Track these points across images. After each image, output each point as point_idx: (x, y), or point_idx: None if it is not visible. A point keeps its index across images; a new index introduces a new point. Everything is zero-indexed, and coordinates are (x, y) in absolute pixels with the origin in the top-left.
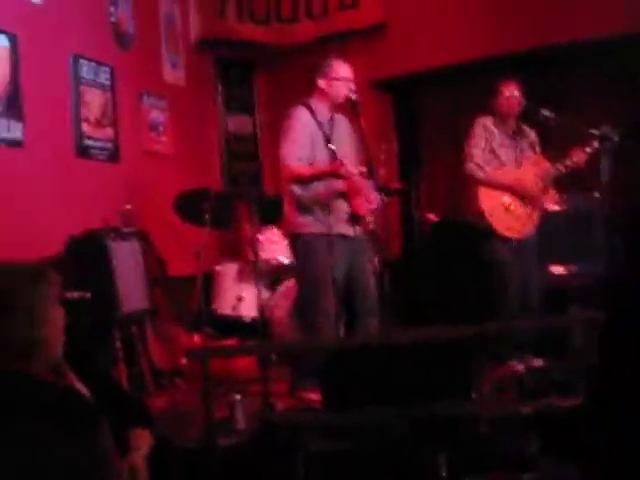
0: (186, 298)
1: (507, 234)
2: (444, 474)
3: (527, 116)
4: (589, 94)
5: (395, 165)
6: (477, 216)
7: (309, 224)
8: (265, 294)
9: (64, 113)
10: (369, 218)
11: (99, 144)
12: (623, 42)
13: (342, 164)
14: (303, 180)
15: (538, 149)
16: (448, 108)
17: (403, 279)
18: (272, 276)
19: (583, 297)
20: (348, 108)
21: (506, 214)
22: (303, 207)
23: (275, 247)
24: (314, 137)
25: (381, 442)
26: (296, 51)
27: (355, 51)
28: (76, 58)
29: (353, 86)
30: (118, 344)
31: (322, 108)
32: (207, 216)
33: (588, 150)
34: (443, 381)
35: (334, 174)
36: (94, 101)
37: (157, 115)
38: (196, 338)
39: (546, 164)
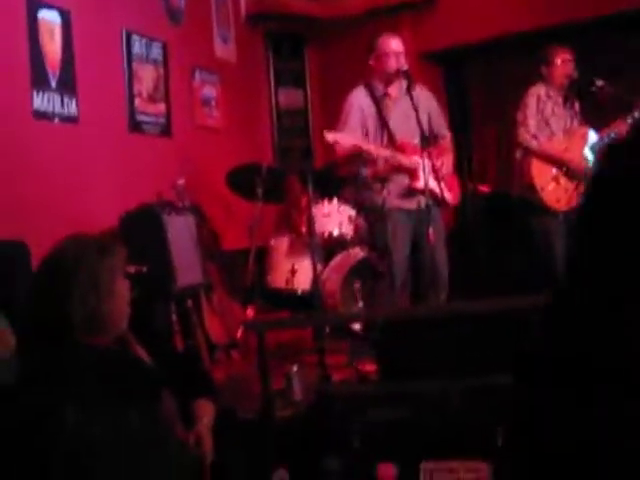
0: (240, 272)
1: (556, 206)
2: (500, 444)
3: (581, 86)
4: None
5: None
6: (528, 188)
7: (374, 197)
8: (318, 267)
9: (117, 88)
10: (435, 187)
11: (152, 119)
12: None
13: (364, 147)
14: (341, 162)
15: (582, 119)
16: (498, 80)
17: (456, 252)
18: (324, 249)
19: None
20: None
21: (556, 186)
22: (366, 183)
23: (328, 220)
24: (367, 114)
25: (438, 412)
26: (346, 24)
27: (405, 23)
28: (128, 34)
29: (402, 59)
30: (174, 317)
31: (379, 84)
32: (259, 190)
33: (629, 120)
34: (500, 352)
35: (357, 156)
36: (146, 76)
37: (209, 90)
38: (250, 311)
39: (593, 137)
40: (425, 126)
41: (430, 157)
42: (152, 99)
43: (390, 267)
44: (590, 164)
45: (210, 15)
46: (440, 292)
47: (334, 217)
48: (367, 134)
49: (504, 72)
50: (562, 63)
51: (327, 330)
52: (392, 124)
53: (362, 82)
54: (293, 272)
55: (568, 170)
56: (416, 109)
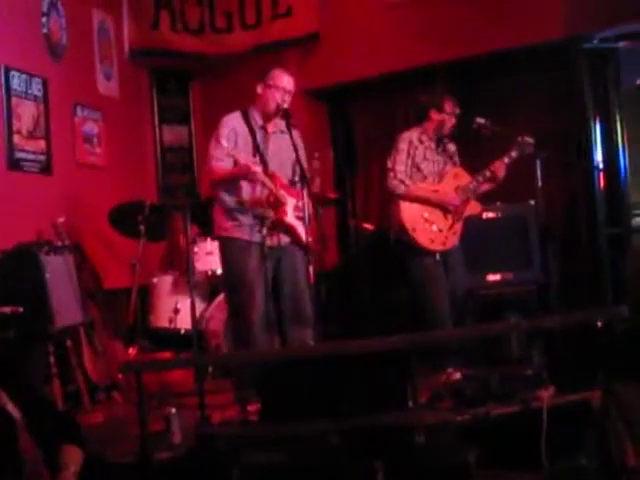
0: (122, 311)
1: (430, 247)
2: None
3: (461, 124)
4: (517, 102)
5: (330, 174)
6: (400, 230)
7: (235, 229)
8: (201, 306)
9: None
10: (298, 227)
11: (32, 156)
12: (555, 50)
13: (253, 168)
14: (217, 180)
15: (457, 160)
16: (382, 117)
17: (339, 289)
18: (208, 288)
19: (519, 305)
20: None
21: (428, 227)
22: (229, 212)
23: (211, 258)
24: (240, 141)
25: (317, 453)
26: (232, 61)
27: (290, 60)
28: (7, 69)
29: (288, 98)
30: (52, 359)
31: (257, 115)
32: (142, 228)
33: (506, 161)
34: (379, 391)
35: (244, 175)
36: (26, 113)
37: (91, 127)
38: (132, 351)
39: (466, 176)
40: (302, 165)
41: (299, 197)
42: (32, 136)
43: (248, 302)
44: (462, 202)
45: (92, 51)
46: (305, 329)
47: (217, 255)
48: (237, 162)
49: (387, 110)
50: (450, 115)
51: (210, 370)
52: (267, 155)
53: (239, 108)
54: (176, 311)
55: (442, 209)
56: (296, 148)
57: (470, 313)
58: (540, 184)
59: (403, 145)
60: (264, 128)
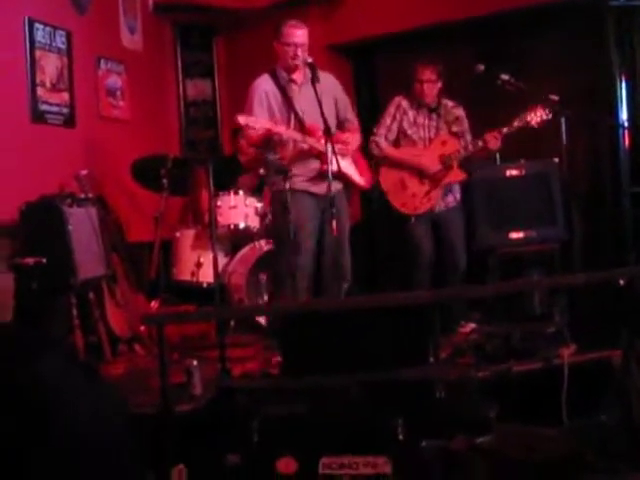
0: (145, 264)
1: (402, 209)
2: (401, 438)
3: (485, 81)
4: (542, 59)
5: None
6: (380, 192)
7: (280, 181)
8: (223, 260)
9: (19, 77)
10: (347, 169)
11: (55, 109)
12: (581, 7)
13: (274, 129)
14: (255, 145)
15: (462, 126)
16: (406, 73)
17: (362, 244)
18: (231, 242)
19: (542, 262)
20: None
21: (401, 190)
22: (275, 168)
23: (234, 212)
24: (273, 102)
25: (338, 407)
26: (255, 15)
27: (313, 15)
28: (31, 22)
29: (301, 51)
30: (74, 311)
31: (282, 71)
32: (165, 182)
33: (505, 131)
34: (401, 346)
35: (272, 137)
36: (50, 65)
37: (115, 80)
38: (154, 304)
39: (455, 144)
40: (330, 117)
41: (336, 143)
42: (55, 88)
43: (293, 256)
44: (441, 170)
45: (117, 4)
46: (342, 283)
47: (240, 209)
48: (273, 119)
49: (413, 65)
50: (424, 79)
51: (232, 324)
52: (299, 108)
53: (267, 70)
54: (199, 265)
55: (417, 175)
56: (320, 102)
57: (492, 270)
58: (564, 142)
59: (391, 109)
60: (293, 81)
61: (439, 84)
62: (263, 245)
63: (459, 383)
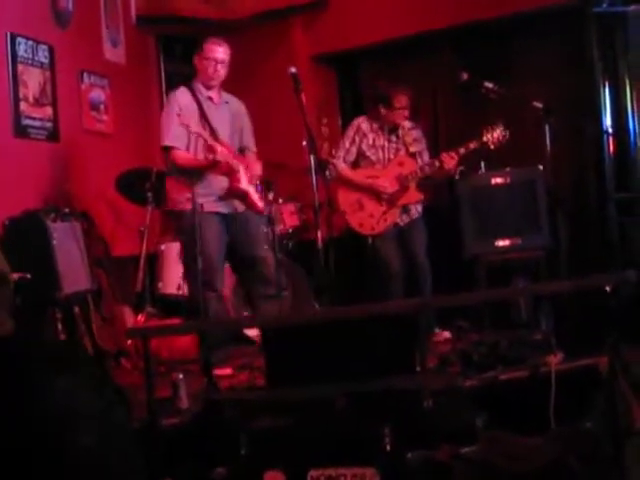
0: (131, 278)
1: (359, 230)
2: (388, 448)
3: (470, 88)
4: (525, 67)
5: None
6: (338, 212)
7: (187, 201)
8: None
9: (1, 92)
10: (252, 193)
11: (38, 123)
12: (564, 14)
13: (213, 149)
14: (182, 167)
15: (420, 145)
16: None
17: (348, 253)
18: None
19: (528, 269)
20: (291, 83)
21: (358, 211)
22: (182, 184)
23: None
24: (190, 114)
25: (324, 418)
26: (239, 27)
27: (297, 25)
28: (13, 37)
29: (222, 68)
30: (60, 325)
31: (201, 87)
32: (150, 195)
33: (461, 152)
34: (387, 356)
35: (211, 166)
36: (32, 80)
37: (98, 94)
38: (141, 318)
39: (412, 165)
40: (238, 141)
41: (246, 165)
42: (38, 103)
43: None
44: (397, 191)
45: (99, 18)
46: (280, 292)
47: None
48: (189, 135)
49: (396, 75)
50: (399, 110)
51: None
52: (215, 125)
53: (183, 83)
54: (184, 278)
55: (374, 196)
56: (234, 119)
57: (478, 278)
58: (549, 149)
59: (350, 132)
60: (210, 99)
61: (408, 109)
62: None
63: (446, 392)
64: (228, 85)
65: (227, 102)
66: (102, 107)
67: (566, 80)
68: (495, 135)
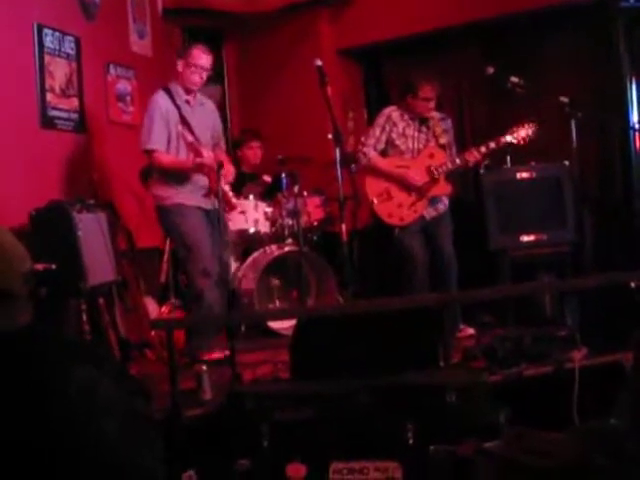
0: (155, 270)
1: (388, 220)
2: (411, 442)
3: (495, 83)
4: (552, 62)
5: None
6: (366, 202)
7: (174, 196)
8: (234, 265)
9: (28, 83)
10: (228, 191)
11: (64, 114)
12: (590, 9)
13: (200, 153)
14: (165, 169)
15: (448, 138)
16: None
17: (373, 247)
18: (241, 247)
19: (553, 265)
20: (317, 77)
21: (387, 201)
22: (166, 182)
23: (243, 217)
24: (170, 117)
25: (347, 411)
26: (265, 20)
27: (323, 19)
28: (40, 27)
29: (205, 75)
30: (84, 316)
31: (180, 90)
32: None
33: (483, 150)
34: (411, 350)
35: (197, 168)
36: (59, 71)
37: (124, 85)
38: (165, 310)
39: (442, 157)
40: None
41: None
42: (65, 94)
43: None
44: (427, 182)
45: (126, 10)
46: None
47: (250, 215)
48: (170, 137)
49: (422, 69)
50: (423, 101)
51: (242, 328)
52: (194, 126)
53: (162, 87)
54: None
55: (404, 186)
56: (209, 120)
57: (503, 273)
58: (575, 144)
59: (380, 120)
60: (187, 102)
61: (435, 100)
62: (274, 250)
63: (470, 387)
64: (256, 80)
65: (202, 104)
66: (128, 98)
67: (592, 75)
68: (529, 131)
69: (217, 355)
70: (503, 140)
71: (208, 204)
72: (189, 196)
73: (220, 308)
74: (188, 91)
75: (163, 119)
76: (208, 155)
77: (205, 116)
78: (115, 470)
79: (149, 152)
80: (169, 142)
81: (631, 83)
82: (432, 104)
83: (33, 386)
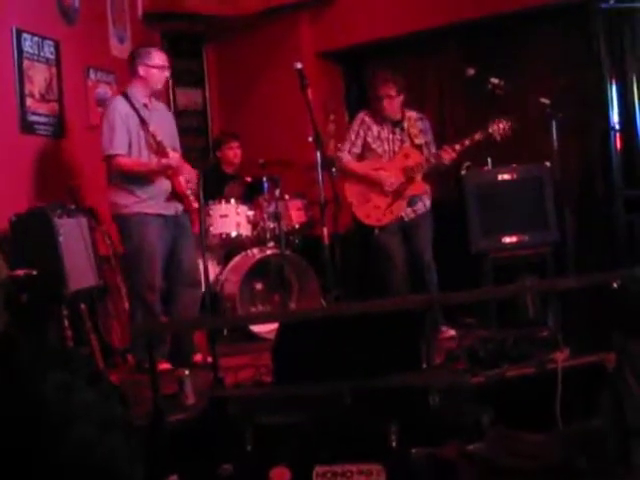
0: None
1: (366, 221)
2: (394, 445)
3: (476, 84)
4: (532, 63)
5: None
6: (345, 205)
7: (134, 204)
8: (216, 269)
9: (7, 88)
10: (191, 196)
11: (44, 119)
12: (571, 10)
13: (166, 154)
14: (130, 173)
15: (425, 138)
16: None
17: (354, 250)
18: (222, 251)
19: (535, 266)
20: (297, 79)
21: (365, 202)
22: (126, 189)
23: (225, 221)
24: (130, 122)
25: (331, 414)
26: (245, 23)
27: (304, 21)
28: (19, 32)
29: (167, 73)
30: (66, 322)
31: (138, 94)
32: None
33: (458, 148)
34: (393, 352)
35: (163, 169)
36: (38, 76)
37: (104, 90)
38: None
39: (417, 157)
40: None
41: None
42: (44, 99)
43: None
44: (403, 182)
45: (105, 14)
46: (198, 290)
47: (232, 218)
48: (131, 142)
49: (403, 71)
50: (384, 99)
51: (225, 332)
52: (153, 130)
53: (119, 92)
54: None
55: (380, 188)
56: (166, 123)
57: (485, 275)
58: (556, 145)
59: (354, 125)
60: (145, 106)
61: (400, 98)
62: (256, 253)
63: (452, 389)
64: (237, 83)
65: (158, 108)
66: (108, 103)
67: (573, 76)
68: (501, 126)
69: (165, 366)
70: (477, 137)
71: (171, 209)
72: (150, 204)
73: (192, 312)
74: (147, 94)
75: (124, 124)
76: (173, 156)
77: (163, 119)
78: (91, 473)
79: (110, 157)
80: (130, 146)
81: (611, 84)
82: (396, 102)
83: (8, 391)
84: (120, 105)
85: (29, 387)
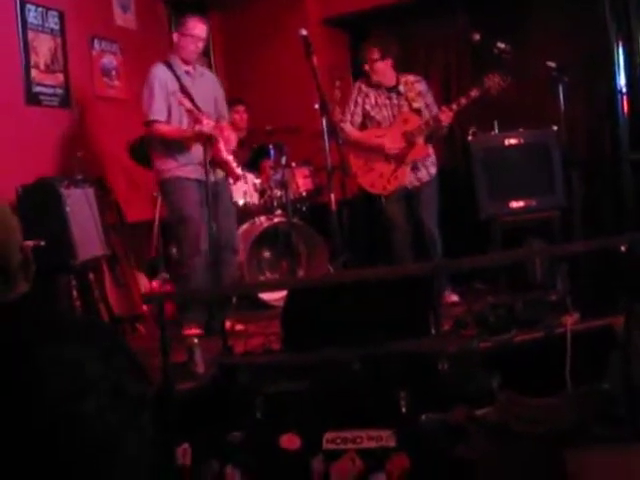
0: (145, 243)
1: (371, 190)
2: (404, 410)
3: (482, 49)
4: (538, 27)
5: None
6: (350, 175)
7: (174, 169)
8: None
9: (12, 60)
10: (232, 162)
11: (50, 90)
12: None
13: (199, 121)
14: (167, 139)
15: (424, 101)
16: (403, 44)
17: (362, 216)
18: None
19: (542, 231)
20: (303, 46)
21: (369, 171)
22: (166, 154)
23: (233, 189)
24: (169, 88)
25: (340, 381)
26: None
27: None
28: (22, 3)
29: (202, 45)
30: (74, 292)
31: (178, 62)
32: None
33: (454, 107)
34: (402, 319)
35: (196, 137)
36: (43, 46)
37: (109, 59)
38: (155, 284)
39: (416, 121)
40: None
41: (225, 135)
42: (50, 70)
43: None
44: (404, 147)
45: None
46: (236, 255)
47: (239, 186)
48: (171, 108)
49: (409, 37)
50: (372, 63)
51: (234, 300)
52: (195, 97)
53: (161, 60)
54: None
55: (382, 155)
56: (210, 91)
57: (493, 240)
58: (563, 109)
59: (353, 94)
60: (188, 73)
61: (387, 62)
62: (263, 221)
63: (461, 354)
64: (242, 52)
65: (202, 75)
66: (114, 73)
67: (579, 40)
68: (496, 80)
69: (195, 331)
70: (473, 93)
71: (209, 176)
72: (189, 168)
73: (232, 278)
74: (186, 62)
75: (163, 90)
76: (207, 123)
77: (206, 87)
78: (95, 452)
79: (150, 123)
80: (170, 113)
81: (618, 47)
82: (382, 66)
83: (16, 362)
84: (160, 72)
85: (26, 360)
